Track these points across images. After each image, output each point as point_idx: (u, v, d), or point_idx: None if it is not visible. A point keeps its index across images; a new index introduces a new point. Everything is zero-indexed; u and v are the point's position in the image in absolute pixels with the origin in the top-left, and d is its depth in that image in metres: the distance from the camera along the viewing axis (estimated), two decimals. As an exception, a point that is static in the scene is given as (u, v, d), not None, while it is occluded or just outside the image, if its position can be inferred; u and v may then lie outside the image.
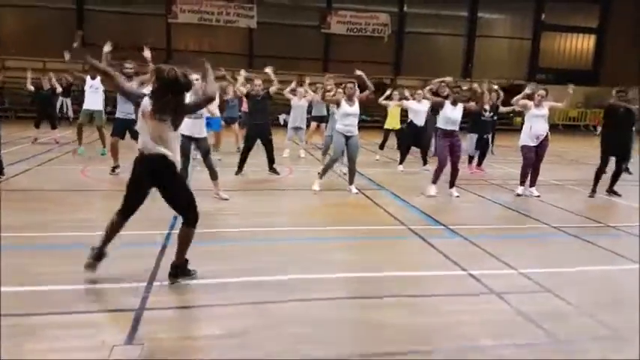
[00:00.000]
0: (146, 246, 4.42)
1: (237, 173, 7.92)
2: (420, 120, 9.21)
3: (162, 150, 3.42)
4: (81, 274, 3.57)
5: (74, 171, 8.00)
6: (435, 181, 7.02)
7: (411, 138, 9.41)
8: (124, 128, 7.57)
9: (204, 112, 6.25)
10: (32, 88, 11.29)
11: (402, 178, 8.62)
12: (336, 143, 7.01)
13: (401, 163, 9.42)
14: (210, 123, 9.48)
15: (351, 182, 7.09)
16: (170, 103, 3.35)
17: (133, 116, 7.53)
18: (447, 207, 6.58)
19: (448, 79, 7.70)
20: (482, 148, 9.41)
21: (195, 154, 6.82)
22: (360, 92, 7.12)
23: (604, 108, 7.72)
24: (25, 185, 6.93)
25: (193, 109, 4.02)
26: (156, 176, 3.47)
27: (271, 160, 8.21)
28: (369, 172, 8.68)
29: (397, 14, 22.88)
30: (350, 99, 6.88)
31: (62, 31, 19.35)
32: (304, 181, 7.70)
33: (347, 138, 6.91)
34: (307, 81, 10.62)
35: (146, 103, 3.39)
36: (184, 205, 3.57)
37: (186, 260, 3.67)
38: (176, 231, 4.87)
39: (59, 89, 11.76)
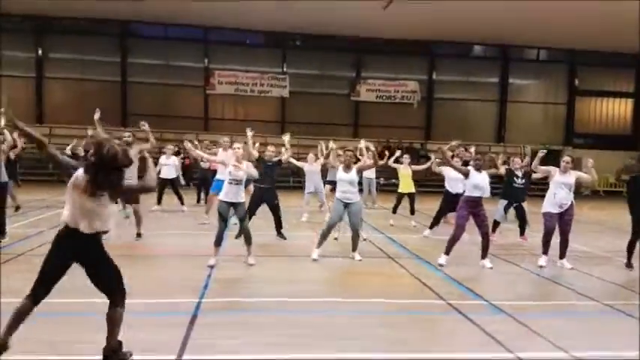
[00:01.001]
0: (175, 314, 4.39)
1: (237, 237, 7.69)
2: (455, 187, 9.06)
3: (95, 226, 3.25)
4: (101, 344, 3.51)
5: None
6: (447, 252, 6.79)
7: (449, 206, 9.23)
8: None
9: (243, 177, 6.46)
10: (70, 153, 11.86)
11: (433, 245, 8.41)
12: (334, 210, 7.03)
13: (430, 228, 9.24)
14: (216, 186, 9.70)
15: (354, 249, 7.03)
16: (108, 179, 3.16)
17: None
18: (485, 279, 6.35)
19: (454, 143, 7.69)
20: (520, 215, 9.15)
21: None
22: (378, 159, 7.20)
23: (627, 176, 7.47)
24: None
25: (127, 191, 3.89)
26: (82, 253, 3.30)
27: (279, 225, 8.34)
28: (400, 238, 8.55)
29: (426, 81, 23.45)
30: (347, 166, 6.97)
31: (107, 102, 20.72)
32: (332, 247, 7.63)
33: (346, 205, 6.90)
34: (331, 145, 10.27)
35: (79, 175, 3.21)
36: (112, 283, 3.35)
37: (120, 343, 3.42)
38: (208, 300, 4.89)
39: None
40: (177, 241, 8.20)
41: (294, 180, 18.86)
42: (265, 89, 22.12)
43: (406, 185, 10.39)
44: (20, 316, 3.23)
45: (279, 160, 8.23)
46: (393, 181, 11.86)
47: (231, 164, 6.47)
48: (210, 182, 9.83)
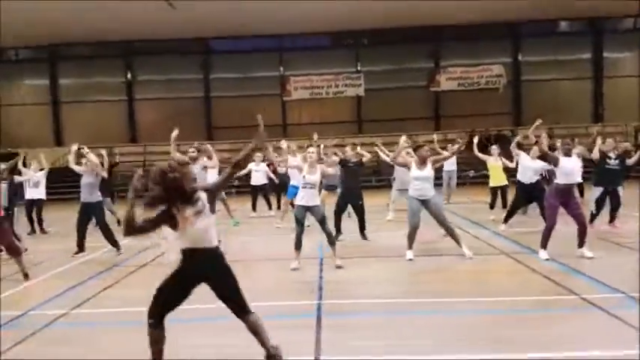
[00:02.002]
0: (299, 317, 4.49)
1: (336, 238, 7.73)
2: (526, 177, 8.48)
3: (209, 242, 3.31)
4: (235, 347, 3.64)
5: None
6: (544, 245, 6.36)
7: (523, 197, 8.70)
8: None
9: (317, 181, 6.52)
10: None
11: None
12: (410, 209, 6.76)
13: (505, 222, 8.75)
14: (291, 192, 9.80)
15: (459, 245, 6.72)
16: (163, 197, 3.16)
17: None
18: (615, 268, 5.84)
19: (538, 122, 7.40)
20: (615, 201, 8.31)
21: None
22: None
23: None
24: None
25: (219, 188, 3.67)
26: (206, 271, 3.33)
27: (362, 226, 8.26)
28: (508, 232, 8.16)
29: (511, 64, 22.31)
30: (422, 162, 6.70)
31: (192, 118, 21.95)
32: (438, 245, 7.42)
33: (422, 202, 6.67)
34: (403, 140, 9.64)
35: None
36: (236, 294, 3.36)
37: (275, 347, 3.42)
38: (326, 301, 4.96)
39: None
40: (258, 245, 8.48)
41: (377, 179, 18.70)
42: (340, 90, 22.23)
43: (497, 178, 9.90)
44: (159, 341, 3.34)
45: (361, 161, 8.27)
46: (484, 172, 11.35)
47: (305, 168, 6.56)
48: (286, 187, 9.99)
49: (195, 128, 21.86)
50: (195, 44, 22.19)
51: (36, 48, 21.89)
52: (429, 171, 6.68)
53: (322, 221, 6.51)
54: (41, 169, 10.52)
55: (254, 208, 11.72)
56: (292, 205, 9.33)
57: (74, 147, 8.33)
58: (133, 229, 3.17)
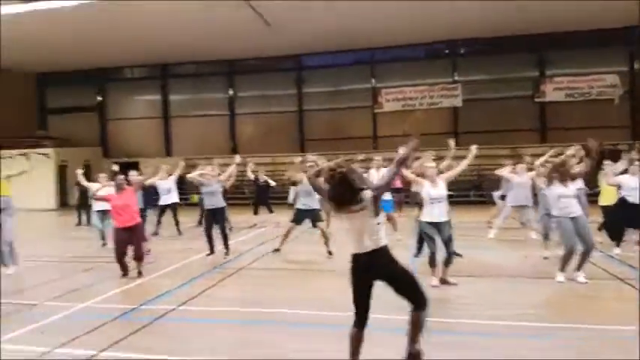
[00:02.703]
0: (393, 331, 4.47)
1: (417, 254, 7.67)
2: (634, 197, 7.72)
3: (376, 242, 3.45)
4: (327, 352, 3.71)
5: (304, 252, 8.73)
6: None
7: (625, 218, 7.96)
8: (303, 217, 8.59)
9: (444, 194, 6.26)
10: (252, 176, 13.17)
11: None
12: (565, 230, 6.28)
13: (617, 245, 8.06)
14: (383, 206, 9.53)
15: (578, 268, 6.35)
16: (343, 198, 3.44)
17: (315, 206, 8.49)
18: None
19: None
20: None
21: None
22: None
23: None
24: (270, 264, 7.90)
25: (385, 187, 3.88)
26: (377, 270, 3.47)
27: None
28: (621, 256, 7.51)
29: (628, 73, 20.42)
30: (564, 179, 6.29)
31: (287, 131, 22.84)
32: (542, 267, 7.01)
33: (572, 219, 6.22)
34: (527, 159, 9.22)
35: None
36: (411, 288, 3.50)
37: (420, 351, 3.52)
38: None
39: (272, 183, 13.48)
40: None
41: (476, 194, 18.02)
42: (435, 101, 21.77)
43: (610, 196, 9.03)
44: (353, 342, 3.54)
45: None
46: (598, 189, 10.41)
47: (430, 182, 6.28)
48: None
49: (288, 141, 22.70)
50: (289, 61, 23.09)
51: (149, 66, 24.12)
52: (573, 188, 6.36)
53: (448, 240, 6.24)
54: (170, 175, 11.19)
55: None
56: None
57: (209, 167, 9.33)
58: (314, 178, 3.78)
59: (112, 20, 16.56)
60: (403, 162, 3.73)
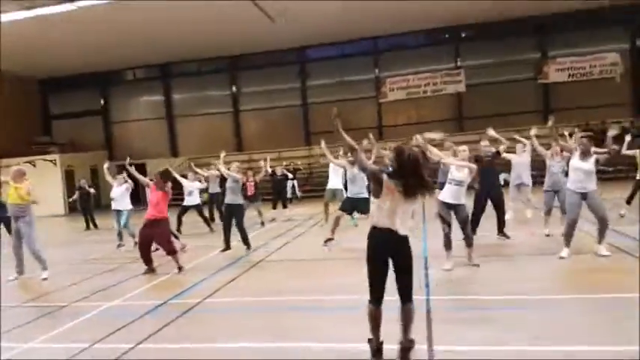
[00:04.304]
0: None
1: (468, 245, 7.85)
2: None
3: (402, 226, 3.54)
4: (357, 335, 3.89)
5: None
6: None
7: None
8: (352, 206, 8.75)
9: (465, 179, 6.42)
10: (270, 170, 13.38)
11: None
12: (570, 204, 6.49)
13: None
14: None
15: (599, 241, 6.47)
16: (416, 183, 3.45)
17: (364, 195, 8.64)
18: None
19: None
20: None
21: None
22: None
23: None
24: (291, 255, 8.11)
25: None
26: (393, 251, 3.57)
27: (501, 224, 8.06)
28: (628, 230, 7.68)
29: (628, 51, 20.47)
30: (585, 154, 6.40)
31: (291, 125, 22.98)
32: (549, 244, 7.16)
33: (583, 196, 6.37)
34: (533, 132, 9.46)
35: (387, 180, 3.52)
36: (411, 281, 3.62)
37: (412, 341, 3.63)
38: (433, 297, 5.10)
39: (290, 175, 13.78)
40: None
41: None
42: (439, 87, 21.91)
43: None
44: (375, 320, 3.64)
45: (498, 152, 8.04)
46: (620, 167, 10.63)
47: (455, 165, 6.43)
48: None
49: (294, 135, 22.87)
50: (291, 54, 23.13)
51: (151, 67, 24.25)
52: (591, 163, 6.42)
53: (464, 222, 6.40)
54: (199, 181, 11.87)
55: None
56: None
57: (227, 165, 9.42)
58: (359, 158, 3.80)
59: (111, 22, 16.70)
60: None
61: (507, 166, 10.22)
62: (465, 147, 6.78)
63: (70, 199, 12.57)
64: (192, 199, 11.51)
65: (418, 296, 5.09)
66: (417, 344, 3.75)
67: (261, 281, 6.67)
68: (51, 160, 21.88)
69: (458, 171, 6.41)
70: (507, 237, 8.04)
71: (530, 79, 21.28)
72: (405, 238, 3.58)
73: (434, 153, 6.50)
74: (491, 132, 8.45)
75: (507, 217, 9.86)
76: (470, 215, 7.04)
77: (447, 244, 6.38)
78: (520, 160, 9.74)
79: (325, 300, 5.47)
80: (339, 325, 4.63)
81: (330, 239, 8.44)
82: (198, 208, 11.74)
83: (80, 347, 4.49)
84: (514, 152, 9.75)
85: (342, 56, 22.98)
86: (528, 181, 9.84)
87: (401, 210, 3.52)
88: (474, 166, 6.39)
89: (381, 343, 3.65)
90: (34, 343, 4.77)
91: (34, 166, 21.76)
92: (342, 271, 6.74)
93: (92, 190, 14.75)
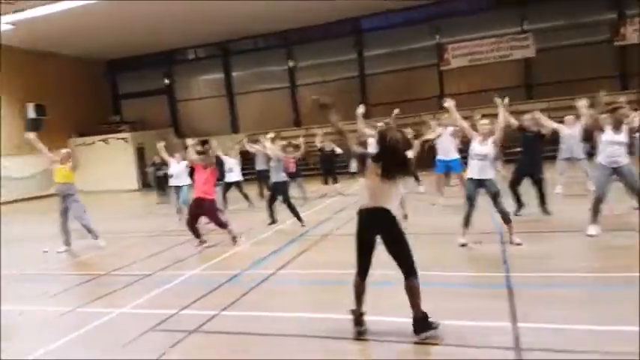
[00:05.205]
0: (489, 287, 4.67)
1: (517, 212, 7.80)
2: None
3: (384, 205, 3.74)
4: (445, 311, 3.97)
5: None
6: None
7: None
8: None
9: (490, 153, 6.29)
10: (319, 145, 13.54)
11: None
12: (598, 179, 6.27)
13: None
14: (450, 165, 9.70)
15: None
16: (396, 166, 3.69)
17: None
18: None
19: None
20: None
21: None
22: None
23: None
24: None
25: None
26: (377, 228, 3.79)
27: (543, 199, 7.83)
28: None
29: None
30: (617, 126, 6.09)
31: (348, 98, 22.78)
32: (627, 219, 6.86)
33: (614, 170, 6.10)
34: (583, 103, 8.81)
35: (370, 163, 3.79)
36: (408, 258, 3.76)
37: (425, 314, 3.73)
38: (513, 274, 5.06)
39: (338, 150, 13.65)
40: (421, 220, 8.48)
41: (550, 149, 17.30)
42: (505, 53, 20.94)
43: None
44: (357, 291, 3.94)
45: (539, 131, 7.85)
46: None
47: (476, 139, 6.36)
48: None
49: (351, 108, 22.66)
50: (347, 25, 22.77)
51: (211, 45, 24.77)
52: (624, 136, 6.14)
53: (496, 196, 6.29)
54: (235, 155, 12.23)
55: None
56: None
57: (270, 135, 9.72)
58: (344, 137, 4.01)
59: (172, 3, 17.16)
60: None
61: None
62: (486, 120, 6.57)
63: (150, 169, 13.31)
64: (233, 175, 11.84)
65: (495, 273, 5.16)
66: (501, 321, 3.83)
67: (329, 254, 6.87)
68: (123, 138, 23.16)
69: (480, 145, 6.28)
70: (548, 213, 7.80)
71: (605, 42, 19.83)
72: (386, 214, 3.75)
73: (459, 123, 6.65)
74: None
75: (557, 190, 9.62)
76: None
77: (466, 221, 6.36)
78: (570, 132, 9.29)
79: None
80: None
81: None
82: (238, 184, 12.03)
83: (168, 313, 4.87)
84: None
85: (399, 24, 22.38)
86: (580, 154, 9.44)
87: (380, 190, 3.74)
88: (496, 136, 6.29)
89: (362, 314, 3.92)
90: (125, 309, 5.21)
91: (108, 143, 23.21)
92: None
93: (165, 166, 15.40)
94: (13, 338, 4.73)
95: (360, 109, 7.89)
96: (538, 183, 7.85)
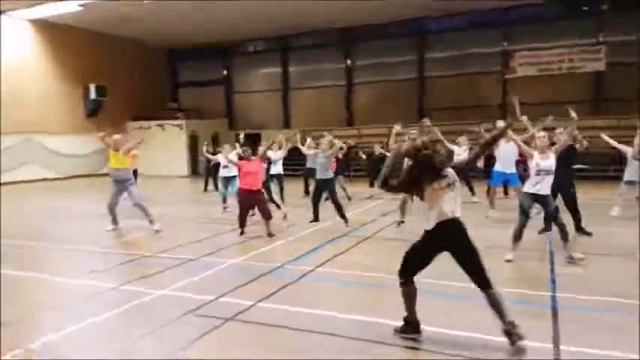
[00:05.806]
0: (533, 305, 4.54)
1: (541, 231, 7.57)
2: None
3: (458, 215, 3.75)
4: (487, 326, 3.86)
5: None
6: None
7: None
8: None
9: (552, 166, 6.05)
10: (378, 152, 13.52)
11: None
12: None
13: None
14: (509, 179, 9.36)
15: None
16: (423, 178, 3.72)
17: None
18: None
19: None
20: None
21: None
22: None
23: None
24: (401, 234, 8.15)
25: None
26: (451, 241, 3.76)
27: (576, 219, 7.55)
28: None
29: None
30: None
31: (405, 100, 22.56)
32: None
33: None
34: None
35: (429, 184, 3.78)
36: (480, 267, 3.73)
37: (512, 322, 3.69)
38: (559, 294, 4.88)
39: (388, 154, 13.57)
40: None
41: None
42: (576, 65, 20.05)
43: None
44: (411, 298, 3.95)
45: (572, 146, 7.42)
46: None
47: (539, 154, 6.12)
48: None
49: (407, 110, 22.43)
50: (409, 26, 22.46)
51: (270, 39, 25.18)
52: None
53: (555, 213, 6.12)
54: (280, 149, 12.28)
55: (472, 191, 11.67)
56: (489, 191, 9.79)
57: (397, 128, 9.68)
58: (386, 185, 3.88)
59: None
60: (488, 143, 4.11)
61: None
62: (543, 133, 6.28)
63: (204, 152, 13.61)
64: (276, 168, 11.86)
65: (542, 292, 4.98)
66: (542, 342, 3.72)
67: (369, 257, 6.84)
68: (178, 125, 23.98)
69: (543, 159, 6.03)
70: (588, 234, 7.54)
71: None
72: (461, 226, 3.79)
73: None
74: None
75: (613, 213, 9.24)
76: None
77: (516, 236, 6.15)
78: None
79: (436, 284, 5.43)
80: (457, 312, 4.64)
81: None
82: (279, 177, 12.04)
83: (207, 299, 5.03)
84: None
85: (465, 28, 21.88)
86: None
87: (453, 200, 3.80)
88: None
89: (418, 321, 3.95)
90: (166, 290, 5.41)
91: (164, 129, 24.10)
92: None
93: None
94: (62, 308, 5.03)
95: (397, 127, 7.94)
96: (569, 198, 7.52)
